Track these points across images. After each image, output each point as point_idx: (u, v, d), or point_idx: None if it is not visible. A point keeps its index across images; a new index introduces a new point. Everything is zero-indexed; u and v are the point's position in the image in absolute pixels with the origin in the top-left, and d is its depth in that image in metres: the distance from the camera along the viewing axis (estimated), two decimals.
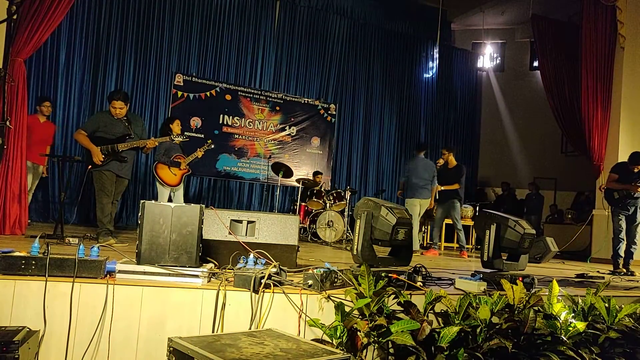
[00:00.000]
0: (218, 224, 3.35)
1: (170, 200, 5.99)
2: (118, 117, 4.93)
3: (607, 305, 2.98)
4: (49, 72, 8.02)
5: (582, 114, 8.56)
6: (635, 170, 6.12)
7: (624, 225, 6.23)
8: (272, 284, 2.57)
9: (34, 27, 5.13)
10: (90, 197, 7.24)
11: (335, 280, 2.78)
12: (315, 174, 9.44)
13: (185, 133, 6.08)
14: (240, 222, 3.41)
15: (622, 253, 6.24)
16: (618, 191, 6.20)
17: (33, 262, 2.47)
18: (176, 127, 6.06)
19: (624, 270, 6.14)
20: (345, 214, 8.19)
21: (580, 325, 2.71)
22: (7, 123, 4.90)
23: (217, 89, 9.53)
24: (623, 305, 3.03)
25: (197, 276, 2.62)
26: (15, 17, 4.72)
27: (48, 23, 5.22)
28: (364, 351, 2.33)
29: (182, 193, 6.09)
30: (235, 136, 9.71)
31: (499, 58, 13.27)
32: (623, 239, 6.24)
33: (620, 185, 6.18)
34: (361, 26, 11.23)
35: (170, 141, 5.79)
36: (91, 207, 8.01)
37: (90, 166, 4.74)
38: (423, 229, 9.29)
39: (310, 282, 2.65)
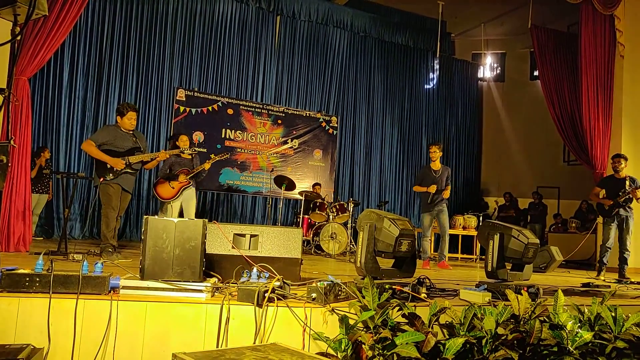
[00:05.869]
0: (221, 238, 3.35)
1: (181, 214, 6.05)
2: (126, 131, 4.96)
3: (613, 314, 2.95)
4: (52, 90, 8.09)
5: (584, 122, 8.56)
6: (620, 168, 6.54)
7: (613, 234, 6.54)
8: (275, 298, 2.57)
9: (37, 46, 5.18)
10: (94, 212, 7.26)
11: (339, 293, 2.77)
12: (315, 185, 9.47)
13: (194, 148, 6.14)
14: (243, 236, 3.41)
15: (606, 261, 6.62)
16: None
17: (37, 279, 2.47)
18: (181, 142, 6.16)
19: (602, 278, 6.44)
20: (349, 225, 8.18)
21: (587, 335, 2.69)
22: (12, 142, 4.93)
23: (219, 103, 9.59)
24: (630, 315, 3.00)
25: (200, 291, 2.62)
26: (19, 38, 4.78)
27: (51, 42, 5.27)
28: None
29: (181, 206, 6.11)
30: (238, 150, 9.75)
31: (499, 68, 13.33)
32: (610, 248, 6.58)
33: (601, 200, 6.63)
34: (361, 39, 11.31)
35: (176, 156, 5.85)
36: (95, 222, 8.05)
37: (102, 178, 4.74)
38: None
39: (314, 295, 2.64)
